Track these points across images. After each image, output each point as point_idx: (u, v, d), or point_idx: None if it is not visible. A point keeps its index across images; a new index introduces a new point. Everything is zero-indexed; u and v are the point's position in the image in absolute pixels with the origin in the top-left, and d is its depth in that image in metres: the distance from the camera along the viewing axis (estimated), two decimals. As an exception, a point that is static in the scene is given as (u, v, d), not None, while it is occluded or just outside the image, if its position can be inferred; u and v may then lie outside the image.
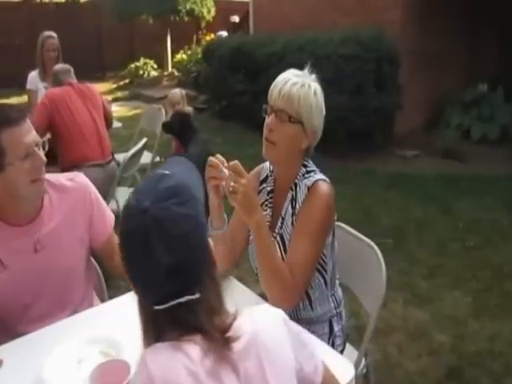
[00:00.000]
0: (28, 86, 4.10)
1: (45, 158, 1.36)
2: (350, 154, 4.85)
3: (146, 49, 10.47)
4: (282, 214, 1.49)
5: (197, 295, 0.79)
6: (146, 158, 3.78)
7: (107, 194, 2.95)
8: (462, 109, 5.43)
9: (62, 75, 3.18)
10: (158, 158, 4.03)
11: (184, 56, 9.57)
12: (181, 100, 3.90)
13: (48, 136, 3.13)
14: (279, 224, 1.50)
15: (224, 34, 8.64)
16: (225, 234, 1.45)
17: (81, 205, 1.53)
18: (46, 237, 1.46)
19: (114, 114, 7.61)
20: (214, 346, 0.79)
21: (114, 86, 10.26)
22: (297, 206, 1.46)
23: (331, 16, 5.44)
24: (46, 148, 1.40)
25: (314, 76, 1.46)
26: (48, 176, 1.47)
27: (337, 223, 1.67)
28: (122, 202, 3.01)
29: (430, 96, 5.44)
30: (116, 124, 3.73)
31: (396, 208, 3.95)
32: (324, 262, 1.49)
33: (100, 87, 10.09)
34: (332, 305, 1.57)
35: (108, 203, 2.91)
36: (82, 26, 10.78)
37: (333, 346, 1.56)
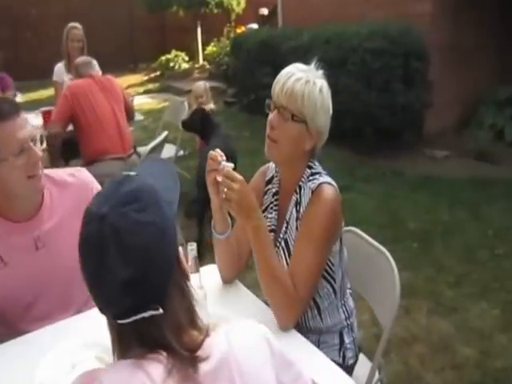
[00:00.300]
0: (54, 78, 4.16)
1: (40, 154, 1.33)
2: (378, 152, 4.70)
3: (177, 41, 10.50)
4: (287, 218, 1.42)
5: (160, 310, 0.72)
6: (170, 151, 3.77)
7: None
8: (496, 108, 5.17)
9: (83, 68, 3.19)
10: (181, 152, 4.01)
11: (214, 48, 9.54)
12: (204, 93, 3.87)
13: (70, 128, 3.16)
14: (284, 229, 1.43)
15: (255, 26, 8.55)
16: (229, 238, 1.38)
17: (83, 202, 1.44)
18: (46, 234, 1.43)
19: (145, 107, 7.81)
20: (179, 365, 0.72)
21: (146, 78, 10.34)
22: (301, 209, 1.38)
23: (361, 8, 5.26)
24: (44, 143, 1.39)
25: (320, 72, 1.38)
26: (48, 171, 1.45)
27: (350, 228, 1.60)
28: None
29: (462, 94, 5.20)
30: (138, 117, 3.71)
31: (423, 211, 3.79)
32: (332, 270, 1.41)
33: (132, 79, 10.23)
34: (342, 316, 1.48)
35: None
36: (114, 19, 10.94)
37: (343, 358, 1.49)
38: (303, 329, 1.44)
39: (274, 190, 1.49)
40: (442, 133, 5.01)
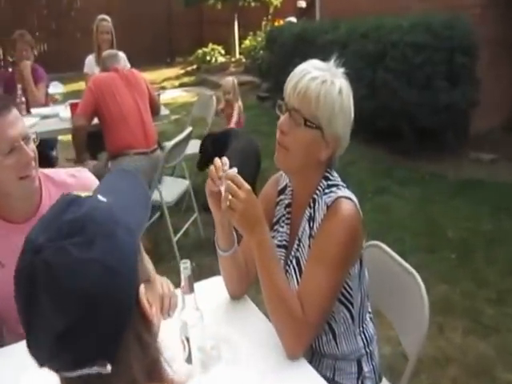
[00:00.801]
0: (85, 70, 4.19)
1: (32, 154, 1.24)
2: (417, 153, 4.44)
3: (214, 35, 10.48)
4: (299, 234, 1.26)
5: (108, 368, 0.57)
6: (196, 147, 3.67)
7: (150, 184, 2.89)
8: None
9: (108, 61, 3.15)
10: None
11: (251, 42, 9.43)
12: (231, 90, 3.78)
13: (96, 121, 3.10)
14: (295, 245, 1.27)
15: (293, 19, 8.38)
16: (235, 255, 1.24)
17: None
18: None
19: (179, 100, 7.79)
20: None
21: (182, 71, 10.38)
22: (314, 226, 1.22)
23: (404, 0, 4.96)
24: (37, 142, 1.29)
25: (341, 70, 1.20)
26: (48, 171, 1.39)
27: (374, 242, 1.45)
28: (166, 193, 2.96)
29: (511, 92, 4.85)
30: (164, 111, 3.63)
31: (465, 218, 3.52)
32: (349, 294, 1.24)
33: (168, 73, 10.29)
34: (360, 344, 1.32)
35: (151, 193, 2.86)
36: (153, 13, 11.06)
37: (362, 386, 1.34)
38: (317, 354, 1.31)
39: (286, 202, 1.33)
40: (489, 134, 4.67)
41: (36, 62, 3.96)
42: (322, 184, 1.23)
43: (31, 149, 1.24)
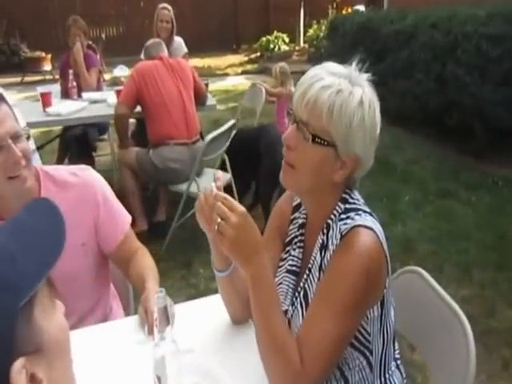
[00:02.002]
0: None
1: (20, 154, 1.15)
2: (491, 156, 4.02)
3: (280, 22, 10.35)
4: (310, 263, 1.04)
5: None
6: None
7: (189, 175, 2.80)
8: None
9: (153, 49, 3.07)
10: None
11: (315, 31, 9.17)
12: (274, 78, 3.65)
13: (138, 109, 3.03)
14: (305, 276, 1.05)
15: (361, 8, 8.01)
16: (235, 276, 1.05)
17: (83, 205, 1.32)
18: None
19: (240, 87, 7.68)
20: None
21: (246, 58, 10.34)
22: (325, 257, 0.99)
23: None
24: (30, 140, 1.23)
25: (364, 76, 0.97)
26: (50, 168, 1.32)
27: (411, 268, 1.23)
28: (204, 184, 2.84)
29: None
30: (211, 101, 3.48)
31: (541, 234, 3.09)
32: (367, 340, 0.99)
33: (233, 59, 10.28)
34: None
35: (189, 184, 2.73)
36: (220, 0, 10.95)
37: None
38: None
39: (300, 221, 1.11)
40: None
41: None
42: (338, 207, 1.00)
43: (21, 148, 1.15)
